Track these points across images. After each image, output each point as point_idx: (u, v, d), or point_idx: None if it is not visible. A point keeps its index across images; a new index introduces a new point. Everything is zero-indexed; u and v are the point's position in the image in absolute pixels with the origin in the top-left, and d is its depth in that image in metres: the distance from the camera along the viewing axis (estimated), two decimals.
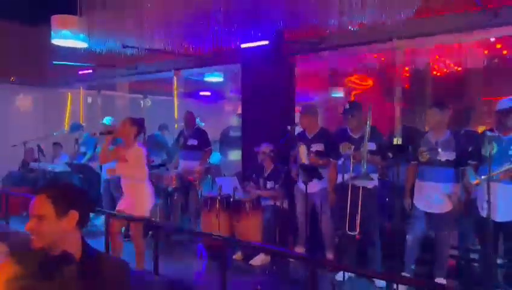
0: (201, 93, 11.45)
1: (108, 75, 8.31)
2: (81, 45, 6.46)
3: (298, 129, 5.20)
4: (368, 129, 4.10)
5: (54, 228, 1.79)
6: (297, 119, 5.80)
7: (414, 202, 4.26)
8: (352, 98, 9.98)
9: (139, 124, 4.56)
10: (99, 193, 6.90)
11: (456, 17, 4.56)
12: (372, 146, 4.29)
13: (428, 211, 4.15)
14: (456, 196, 4.03)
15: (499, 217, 3.52)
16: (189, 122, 6.47)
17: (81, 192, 1.98)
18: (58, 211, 1.80)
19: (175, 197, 6.09)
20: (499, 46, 6.38)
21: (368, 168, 4.19)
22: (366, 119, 4.17)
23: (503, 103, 3.67)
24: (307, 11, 4.67)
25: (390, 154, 3.86)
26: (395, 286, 4.04)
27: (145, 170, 4.51)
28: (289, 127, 4.89)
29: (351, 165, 4.30)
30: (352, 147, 4.32)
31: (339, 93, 10.17)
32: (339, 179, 4.46)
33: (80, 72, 8.39)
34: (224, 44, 5.45)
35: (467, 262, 4.46)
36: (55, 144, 8.21)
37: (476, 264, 4.40)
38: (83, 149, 7.46)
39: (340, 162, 4.40)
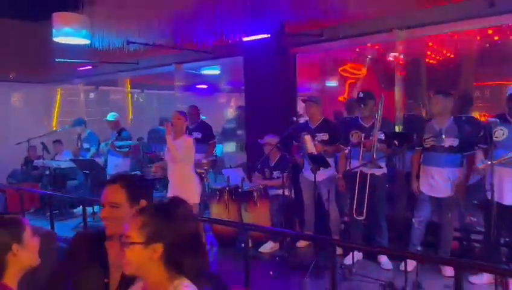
0: (198, 86, 11.52)
1: (109, 71, 8.35)
2: (83, 41, 6.52)
3: (302, 120, 5.33)
4: (378, 118, 4.25)
5: (126, 215, 1.84)
6: (300, 110, 5.94)
7: (420, 186, 4.42)
8: (346, 88, 10.14)
9: (185, 116, 4.98)
10: None
11: (454, 7, 4.70)
12: (381, 135, 4.45)
13: (432, 195, 4.32)
14: (459, 181, 4.19)
15: (507, 200, 3.68)
16: (194, 116, 6.57)
17: (147, 183, 2.12)
18: (131, 199, 1.92)
19: None
20: (490, 32, 6.53)
21: (377, 156, 4.35)
22: (377, 108, 4.32)
23: (509, 89, 3.83)
24: (308, 3, 4.79)
25: (396, 142, 4.01)
26: (402, 266, 4.25)
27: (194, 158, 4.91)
28: (294, 118, 5.01)
29: (361, 153, 4.46)
30: (363, 135, 4.47)
31: (333, 83, 10.30)
32: (348, 165, 4.61)
33: (80, 69, 8.40)
34: (227, 38, 5.54)
35: (468, 243, 4.65)
36: (55, 141, 8.26)
37: (477, 244, 4.60)
38: (86, 145, 7.52)
39: (347, 150, 4.56)
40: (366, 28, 5.13)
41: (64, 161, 7.44)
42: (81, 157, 7.32)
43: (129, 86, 10.19)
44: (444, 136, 4.06)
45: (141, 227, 1.45)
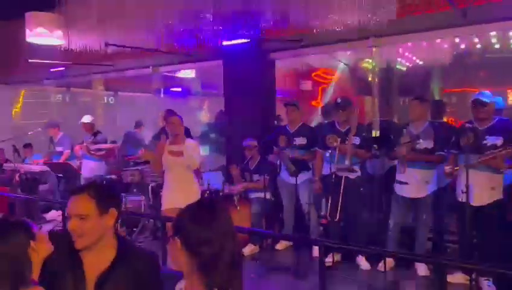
0: (172, 89, 11.43)
1: (82, 72, 8.18)
2: (57, 42, 6.38)
3: (283, 124, 5.42)
4: (354, 124, 4.39)
5: (96, 226, 1.84)
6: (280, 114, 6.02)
7: (394, 187, 4.55)
8: (319, 92, 10.35)
9: (181, 118, 4.69)
10: None
11: (429, 17, 4.90)
12: (356, 140, 4.59)
13: (407, 195, 4.47)
14: (432, 181, 4.37)
15: (475, 201, 3.86)
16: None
17: (115, 190, 2.07)
18: (100, 210, 1.84)
19: (161, 193, 6.13)
20: (457, 40, 6.81)
21: (352, 161, 4.48)
22: (353, 114, 4.45)
23: (476, 95, 4.04)
24: (289, 10, 4.88)
25: (375, 146, 4.14)
26: (380, 267, 4.39)
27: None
28: (276, 123, 5.09)
29: (336, 157, 4.58)
30: (339, 139, 4.59)
31: (307, 87, 10.48)
32: (326, 170, 4.72)
33: (52, 70, 8.19)
34: (207, 42, 5.56)
35: (442, 243, 4.83)
36: (25, 145, 8.02)
37: (449, 244, 4.80)
38: (59, 148, 7.35)
39: (327, 153, 4.66)
40: (344, 35, 5.26)
41: (36, 165, 7.22)
42: (54, 161, 7.13)
43: (102, 88, 9.99)
44: (421, 140, 4.22)
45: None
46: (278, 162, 5.30)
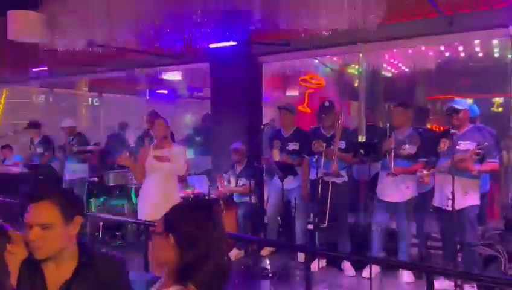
0: (158, 91, 11.33)
1: (66, 72, 8.03)
2: (40, 41, 6.24)
3: (271, 128, 5.38)
4: (339, 128, 4.38)
5: (61, 235, 1.71)
6: (266, 118, 5.99)
7: (376, 192, 4.56)
8: (306, 97, 10.36)
9: (167, 122, 4.44)
10: None
11: (416, 24, 4.94)
12: (342, 144, 4.58)
13: (389, 200, 4.48)
14: (412, 186, 4.41)
15: (450, 206, 3.88)
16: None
17: (79, 196, 1.95)
18: (65, 218, 1.71)
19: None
20: (442, 48, 6.90)
21: (339, 165, 4.47)
22: (338, 119, 4.45)
23: (450, 103, 4.13)
24: (277, 14, 4.85)
25: (362, 151, 4.14)
26: (364, 273, 4.38)
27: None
28: (263, 126, 5.05)
29: (323, 162, 4.56)
30: (324, 144, 4.58)
31: (293, 93, 10.48)
32: (313, 175, 4.69)
33: (34, 70, 8.03)
34: (194, 44, 5.49)
35: (426, 249, 4.85)
36: (4, 146, 7.82)
37: (432, 250, 4.82)
38: (39, 150, 7.18)
39: (314, 159, 4.64)
40: (332, 40, 5.27)
41: (13, 166, 7.04)
42: (34, 163, 6.96)
43: (86, 88, 9.85)
44: (407, 145, 4.24)
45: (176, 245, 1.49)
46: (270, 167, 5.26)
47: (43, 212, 1.67)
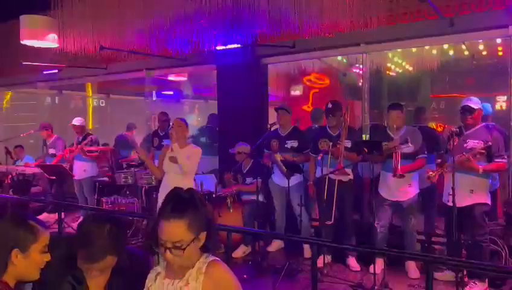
0: (164, 92, 11.48)
1: (76, 75, 8.20)
2: (52, 45, 6.42)
3: (274, 128, 5.50)
4: (345, 127, 4.50)
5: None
6: (271, 119, 6.12)
7: (379, 191, 4.65)
8: (310, 97, 10.46)
9: (186, 123, 4.63)
10: (75, 194, 6.90)
11: (418, 25, 5.05)
12: (348, 143, 4.69)
13: (391, 199, 4.57)
14: (414, 184, 4.50)
15: (458, 203, 3.97)
16: (164, 123, 6.61)
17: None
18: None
19: (154, 196, 6.19)
20: (445, 47, 6.99)
21: (344, 164, 4.59)
22: (344, 118, 4.57)
23: (464, 101, 4.16)
24: (282, 16, 4.98)
25: (365, 149, 4.25)
26: (370, 268, 4.50)
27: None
28: (269, 126, 5.18)
29: (329, 160, 4.68)
30: (331, 143, 4.70)
31: (297, 92, 10.58)
32: (318, 173, 4.81)
33: (45, 72, 8.21)
34: (201, 46, 5.64)
35: (431, 245, 4.96)
36: (16, 146, 8.01)
37: (438, 246, 4.92)
38: (52, 151, 7.36)
39: (319, 157, 4.76)
40: (336, 41, 5.40)
41: (30, 167, 7.22)
42: (47, 163, 7.14)
43: (93, 90, 10.02)
44: (410, 144, 4.32)
45: (188, 227, 1.57)
46: (271, 165, 5.40)
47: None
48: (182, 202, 1.59)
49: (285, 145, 5.27)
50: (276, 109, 5.44)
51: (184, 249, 1.55)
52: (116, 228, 1.92)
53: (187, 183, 4.42)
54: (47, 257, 1.71)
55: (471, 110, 4.05)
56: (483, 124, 4.20)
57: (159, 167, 4.61)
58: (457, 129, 3.95)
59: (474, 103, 4.10)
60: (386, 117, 4.70)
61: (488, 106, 4.96)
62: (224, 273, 1.66)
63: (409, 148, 4.35)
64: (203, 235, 1.62)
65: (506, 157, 4.07)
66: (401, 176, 4.25)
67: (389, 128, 4.58)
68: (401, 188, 4.46)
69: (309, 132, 5.74)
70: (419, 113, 5.72)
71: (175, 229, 1.55)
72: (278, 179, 5.31)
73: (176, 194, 1.64)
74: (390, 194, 4.54)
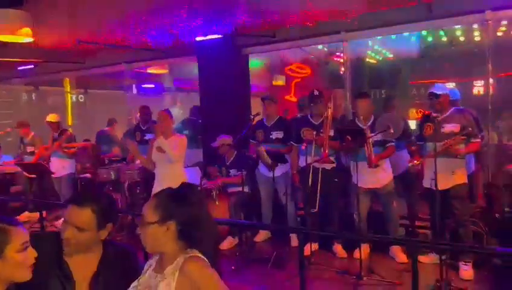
0: (144, 85, 11.32)
1: (52, 70, 8.01)
2: (26, 40, 6.22)
3: (258, 118, 5.48)
4: (329, 116, 4.50)
5: (91, 239, 1.88)
6: (254, 109, 6.10)
7: (353, 181, 4.66)
8: (292, 87, 10.46)
9: (171, 114, 4.79)
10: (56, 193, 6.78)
11: (396, 12, 5.07)
12: (330, 132, 4.71)
13: (368, 187, 4.62)
14: (388, 169, 4.59)
15: (439, 186, 4.05)
16: (146, 117, 6.52)
17: (115, 203, 2.09)
18: (99, 225, 1.88)
19: (138, 191, 6.13)
20: (424, 33, 7.05)
21: (330, 152, 4.61)
22: (327, 107, 4.57)
23: (431, 89, 4.27)
24: (262, 6, 4.94)
25: (349, 137, 4.28)
26: (355, 254, 4.56)
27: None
28: (251, 117, 5.14)
29: (313, 149, 4.69)
30: (314, 132, 4.70)
31: (279, 82, 10.57)
32: (302, 162, 4.82)
33: (20, 68, 7.99)
34: (180, 38, 5.56)
35: (414, 229, 5.04)
36: None
37: (421, 230, 5.01)
38: (30, 149, 7.20)
39: (303, 146, 4.77)
40: (316, 30, 5.39)
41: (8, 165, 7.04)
42: (26, 161, 6.98)
43: (71, 86, 9.80)
44: (392, 130, 4.36)
45: (155, 208, 1.66)
46: (256, 156, 5.38)
47: (81, 217, 1.84)
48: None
49: (270, 136, 5.26)
50: (262, 99, 5.41)
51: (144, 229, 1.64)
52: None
53: (178, 171, 4.66)
54: (32, 253, 1.65)
55: (436, 95, 4.17)
56: (454, 108, 4.33)
57: (148, 159, 4.78)
58: (429, 114, 4.09)
59: (438, 88, 4.24)
60: (354, 107, 4.75)
61: (456, 91, 5.10)
62: (199, 270, 1.62)
63: (374, 137, 4.41)
64: (171, 225, 1.64)
65: (479, 137, 4.26)
66: (376, 165, 4.38)
67: (357, 119, 4.62)
68: (376, 176, 4.54)
69: (292, 121, 5.73)
70: (388, 101, 5.80)
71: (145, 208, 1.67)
72: (264, 169, 5.30)
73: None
74: (366, 183, 4.59)
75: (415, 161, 4.18)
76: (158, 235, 1.64)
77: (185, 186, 1.74)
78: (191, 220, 1.65)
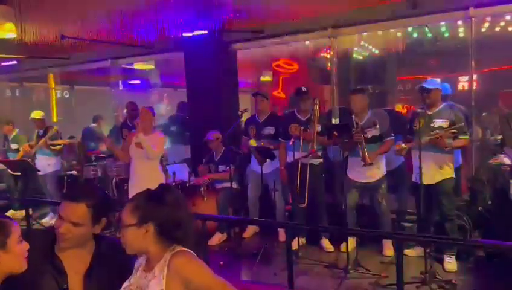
0: (131, 81, 11.21)
1: (36, 66, 7.89)
2: (8, 35, 6.12)
3: (246, 113, 5.49)
4: (316, 112, 4.53)
5: (86, 234, 1.90)
6: (242, 105, 6.10)
7: (347, 173, 4.70)
8: (280, 83, 10.48)
9: (153, 111, 4.81)
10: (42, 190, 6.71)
11: (382, 8, 5.12)
12: (318, 128, 4.75)
13: (360, 180, 4.64)
14: (382, 166, 4.62)
15: (426, 180, 4.12)
16: (133, 113, 6.47)
17: (109, 198, 2.10)
18: (94, 220, 1.90)
19: (125, 188, 6.08)
20: (410, 29, 7.12)
21: (317, 147, 4.65)
22: (314, 103, 4.60)
23: (424, 82, 4.28)
24: (250, 1, 4.93)
25: (335, 133, 4.31)
26: (342, 248, 4.62)
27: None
28: (240, 113, 5.15)
29: (301, 145, 4.72)
30: (301, 128, 4.73)
31: (267, 78, 10.58)
32: (290, 157, 4.85)
33: (3, 64, 7.85)
34: (168, 33, 5.51)
35: (400, 223, 5.11)
36: None
37: (406, 223, 5.08)
38: (14, 146, 7.10)
39: (290, 142, 4.79)
40: (303, 25, 5.41)
41: None
42: (9, 159, 6.88)
43: (56, 82, 9.66)
44: (378, 126, 4.40)
45: (132, 211, 1.67)
46: (248, 152, 5.39)
47: (77, 213, 1.85)
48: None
49: (262, 132, 5.27)
50: (254, 95, 5.41)
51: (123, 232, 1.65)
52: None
53: (153, 168, 4.69)
54: (26, 245, 1.73)
55: (427, 90, 4.19)
56: (445, 103, 4.36)
57: (123, 150, 4.82)
58: (421, 109, 4.09)
59: (429, 83, 4.25)
60: (350, 102, 4.76)
61: (447, 86, 5.12)
62: (186, 264, 1.63)
63: (375, 131, 4.43)
64: (150, 227, 1.65)
65: (468, 134, 4.28)
66: (371, 163, 4.37)
67: (354, 114, 4.64)
68: (369, 171, 4.56)
69: (281, 117, 5.76)
70: (382, 96, 5.85)
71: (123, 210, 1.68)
72: (255, 165, 5.30)
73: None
74: (359, 176, 4.63)
75: (402, 145, 4.21)
76: (137, 237, 1.65)
77: (162, 188, 1.74)
78: (169, 221, 1.65)
